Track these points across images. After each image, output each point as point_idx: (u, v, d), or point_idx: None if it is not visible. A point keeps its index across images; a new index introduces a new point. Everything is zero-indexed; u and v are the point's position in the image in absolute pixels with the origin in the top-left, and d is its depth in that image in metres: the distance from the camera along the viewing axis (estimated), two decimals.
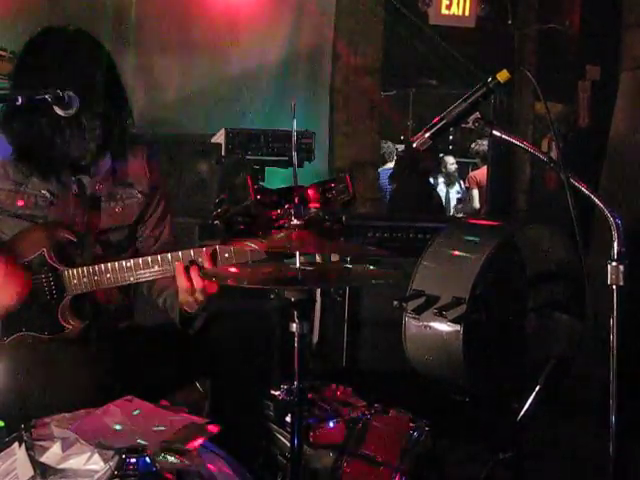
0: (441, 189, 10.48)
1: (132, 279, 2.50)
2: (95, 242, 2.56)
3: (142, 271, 2.49)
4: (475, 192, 9.10)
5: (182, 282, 2.41)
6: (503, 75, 2.13)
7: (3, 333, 2.46)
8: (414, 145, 2.21)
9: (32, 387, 2.25)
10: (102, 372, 2.33)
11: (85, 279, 2.48)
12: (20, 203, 2.51)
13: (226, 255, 2.45)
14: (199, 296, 2.42)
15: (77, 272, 2.48)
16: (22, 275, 2.45)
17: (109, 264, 2.48)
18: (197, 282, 2.39)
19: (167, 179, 2.80)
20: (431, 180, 10.03)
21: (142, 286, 2.70)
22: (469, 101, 2.15)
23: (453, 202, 10.31)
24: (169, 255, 2.48)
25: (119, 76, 2.62)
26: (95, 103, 2.48)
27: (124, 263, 2.48)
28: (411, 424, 2.53)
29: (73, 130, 2.46)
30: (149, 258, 2.49)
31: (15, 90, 2.45)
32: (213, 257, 2.44)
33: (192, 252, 2.46)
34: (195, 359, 2.57)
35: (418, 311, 2.98)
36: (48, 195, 2.53)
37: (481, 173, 8.64)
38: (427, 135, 2.19)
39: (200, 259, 2.44)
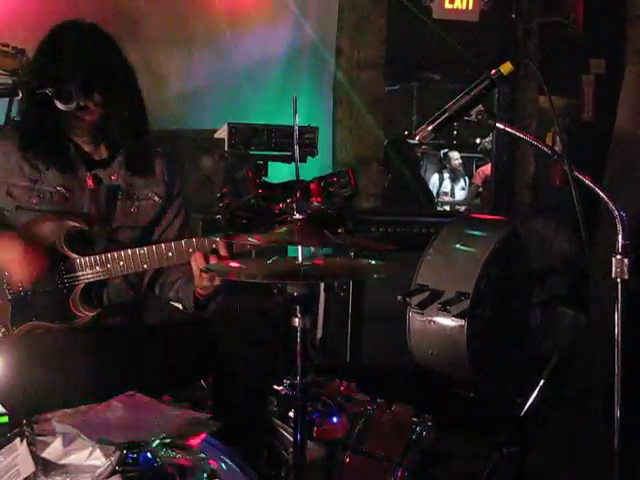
0: (446, 185, 10.48)
1: (146, 266, 2.51)
2: (108, 237, 2.57)
3: (156, 258, 2.49)
4: (479, 189, 9.08)
5: (197, 267, 2.42)
6: (506, 67, 2.12)
7: (13, 322, 2.47)
8: (417, 138, 2.20)
9: (36, 382, 2.25)
10: (106, 368, 2.34)
11: (98, 267, 2.49)
12: (35, 199, 2.52)
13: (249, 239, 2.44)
14: (216, 279, 2.43)
15: (89, 260, 2.50)
16: (40, 255, 2.45)
17: (122, 251, 2.50)
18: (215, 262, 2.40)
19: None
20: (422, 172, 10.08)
21: (153, 285, 2.72)
22: (472, 94, 2.14)
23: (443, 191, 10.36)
24: (183, 243, 2.49)
25: (133, 70, 2.64)
26: (109, 99, 2.50)
27: (138, 250, 2.50)
28: (414, 419, 2.52)
29: (84, 123, 2.49)
30: (163, 245, 2.50)
31: (22, 84, 2.46)
32: (229, 246, 2.44)
33: (206, 241, 2.47)
34: (198, 356, 2.57)
35: (422, 306, 2.98)
36: (63, 191, 2.54)
37: (488, 168, 8.61)
38: (430, 128, 2.17)
39: (215, 246, 2.44)
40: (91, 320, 2.50)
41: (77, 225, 2.50)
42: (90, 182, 2.57)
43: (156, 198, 2.67)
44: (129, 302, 2.67)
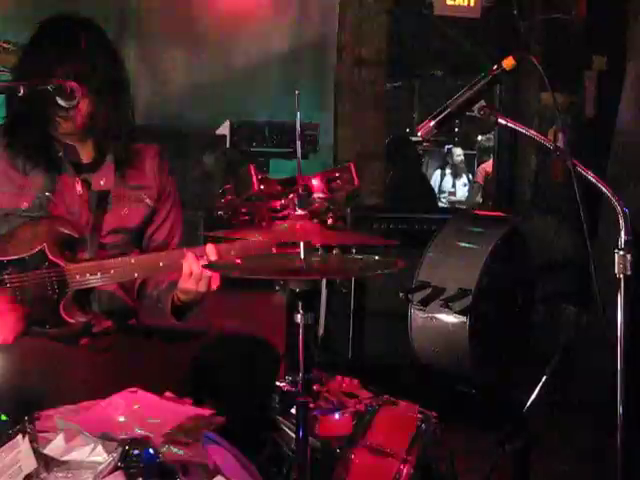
0: (447, 180, 10.50)
1: (136, 275, 2.50)
2: (99, 242, 2.53)
3: (147, 267, 2.47)
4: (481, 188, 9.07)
5: (189, 268, 2.40)
6: (509, 62, 2.11)
7: None
8: (419, 134, 2.19)
9: (35, 381, 2.23)
10: (101, 373, 2.34)
11: (89, 274, 2.45)
12: (24, 205, 2.48)
13: (232, 253, 2.43)
14: (202, 286, 2.41)
15: (80, 268, 2.45)
16: (18, 312, 2.41)
17: (113, 260, 2.47)
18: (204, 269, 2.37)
19: (176, 179, 2.78)
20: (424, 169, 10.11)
21: (144, 287, 2.69)
22: (474, 89, 2.13)
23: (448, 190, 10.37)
24: (175, 253, 2.48)
25: (124, 67, 2.61)
26: (100, 94, 2.47)
27: (129, 259, 2.47)
28: (419, 415, 2.52)
29: (75, 121, 2.46)
30: (155, 255, 2.49)
31: (20, 79, 2.44)
32: (218, 254, 2.42)
33: (197, 250, 2.45)
34: (197, 356, 2.55)
35: (424, 303, 2.98)
36: (52, 196, 2.50)
37: (489, 165, 8.61)
38: (432, 124, 2.17)
39: (205, 256, 2.42)
40: (84, 325, 2.47)
41: (66, 232, 2.45)
42: (79, 187, 2.53)
43: (147, 200, 2.63)
44: (122, 306, 2.62)
